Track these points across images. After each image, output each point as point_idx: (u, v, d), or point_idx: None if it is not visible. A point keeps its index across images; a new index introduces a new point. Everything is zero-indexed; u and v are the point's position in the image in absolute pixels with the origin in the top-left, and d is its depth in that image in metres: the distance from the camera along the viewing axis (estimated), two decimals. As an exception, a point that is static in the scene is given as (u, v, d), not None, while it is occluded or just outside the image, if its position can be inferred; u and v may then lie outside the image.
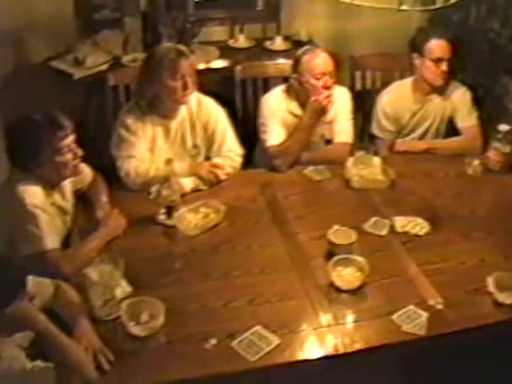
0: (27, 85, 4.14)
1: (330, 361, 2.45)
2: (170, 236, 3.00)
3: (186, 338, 2.46)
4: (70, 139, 2.85)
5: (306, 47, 3.79)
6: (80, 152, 2.90)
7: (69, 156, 2.85)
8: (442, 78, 3.78)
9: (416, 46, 3.85)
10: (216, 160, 3.42)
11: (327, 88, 3.57)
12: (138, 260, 2.80)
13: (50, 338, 2.27)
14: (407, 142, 3.93)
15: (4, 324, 2.21)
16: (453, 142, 3.90)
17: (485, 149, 3.71)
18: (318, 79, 3.55)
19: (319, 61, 3.57)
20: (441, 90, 3.88)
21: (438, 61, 3.73)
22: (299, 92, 3.66)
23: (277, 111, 3.65)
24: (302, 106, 3.66)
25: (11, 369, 2.14)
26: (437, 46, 3.74)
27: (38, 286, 2.45)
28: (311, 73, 3.55)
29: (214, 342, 2.44)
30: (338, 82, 3.84)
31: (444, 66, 3.72)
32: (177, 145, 3.41)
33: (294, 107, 3.68)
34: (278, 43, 4.62)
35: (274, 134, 3.62)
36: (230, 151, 3.44)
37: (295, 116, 3.68)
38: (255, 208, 3.23)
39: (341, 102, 3.75)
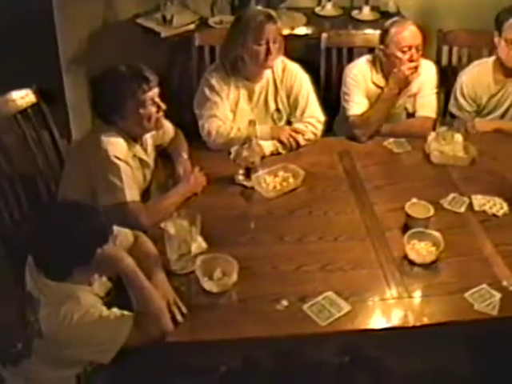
0: (114, 41, 4.23)
1: (396, 332, 2.46)
2: (247, 197, 3.04)
3: (257, 297, 2.50)
4: (154, 92, 2.87)
5: (395, 19, 3.74)
6: (163, 106, 2.92)
7: (152, 109, 2.87)
8: None
9: (497, 23, 3.76)
10: (297, 125, 3.42)
11: (412, 61, 3.53)
12: (214, 218, 2.83)
13: (135, 282, 2.32)
14: (478, 124, 3.85)
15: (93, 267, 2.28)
16: None
17: None
18: (404, 52, 3.50)
19: (407, 34, 3.51)
20: None
21: (510, 42, 3.63)
22: (384, 64, 3.62)
23: (360, 81, 3.63)
24: (386, 77, 3.63)
25: (90, 315, 2.22)
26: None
27: (119, 234, 2.52)
28: (398, 45, 3.50)
29: (285, 303, 2.46)
30: (425, 55, 3.80)
31: None
32: (259, 108, 3.43)
33: (378, 78, 3.65)
34: (366, 13, 4.57)
35: (356, 104, 3.61)
36: (312, 117, 3.43)
37: (378, 87, 3.65)
38: (333, 175, 3.23)
39: (426, 75, 3.70)
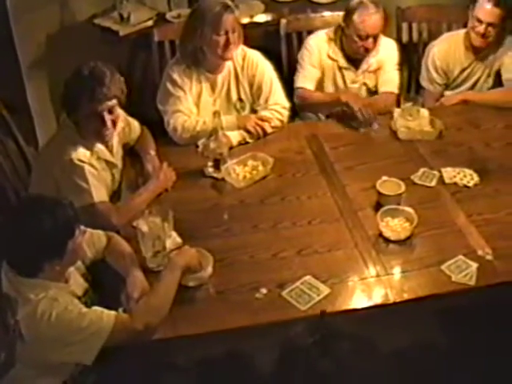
0: (73, 43, 4.17)
1: (378, 310, 2.47)
2: (218, 188, 3.03)
3: (236, 287, 2.50)
4: (110, 104, 2.82)
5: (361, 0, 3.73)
6: (120, 124, 2.93)
7: (107, 120, 2.83)
8: (480, 39, 3.70)
9: None
10: (263, 113, 3.40)
11: (367, 49, 3.58)
12: (187, 212, 2.84)
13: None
14: (445, 99, 3.88)
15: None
16: (491, 93, 3.84)
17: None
18: (361, 39, 3.54)
19: (368, 23, 3.50)
20: (493, 47, 3.79)
21: (477, 20, 3.65)
22: (342, 39, 3.67)
23: (315, 52, 3.68)
24: (343, 52, 3.69)
25: (69, 312, 2.20)
26: (481, 5, 3.65)
27: (91, 237, 2.51)
28: (357, 31, 3.53)
29: (264, 291, 2.47)
30: (385, 33, 3.81)
31: (480, 29, 3.65)
32: (222, 99, 3.41)
33: (335, 52, 3.70)
34: (327, -3, 4.56)
35: (304, 77, 3.68)
36: (277, 104, 3.42)
37: (334, 61, 3.71)
38: (303, 160, 3.22)
39: (386, 52, 3.74)
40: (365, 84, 3.76)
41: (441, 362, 2.94)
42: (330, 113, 3.68)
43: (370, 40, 3.55)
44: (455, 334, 3.03)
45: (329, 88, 3.79)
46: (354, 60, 3.71)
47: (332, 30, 3.74)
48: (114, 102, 2.83)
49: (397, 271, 2.59)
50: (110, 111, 2.83)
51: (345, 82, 3.75)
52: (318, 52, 3.68)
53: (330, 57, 3.70)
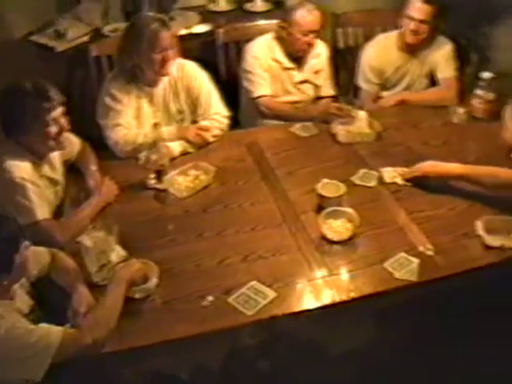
0: (10, 61, 4.12)
1: (325, 311, 2.49)
2: (161, 200, 3.03)
3: (182, 297, 2.50)
4: (58, 112, 2.81)
5: (301, 0, 3.82)
6: (67, 126, 2.88)
7: (55, 128, 2.81)
8: (412, 36, 3.80)
9: None
10: (203, 123, 3.42)
11: (310, 44, 3.71)
12: (131, 225, 2.83)
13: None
14: (381, 101, 3.97)
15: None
16: (427, 93, 3.95)
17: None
18: (304, 35, 3.66)
19: (311, 19, 3.65)
20: (425, 45, 3.89)
21: (410, 18, 3.75)
22: (285, 40, 3.76)
23: (262, 58, 3.76)
24: (287, 54, 3.80)
25: (17, 328, 2.17)
26: (412, 3, 3.77)
27: (35, 254, 2.48)
28: (300, 28, 3.65)
29: (210, 299, 2.47)
30: (321, 39, 3.90)
31: (412, 25, 3.74)
32: (161, 111, 3.41)
33: (278, 54, 3.79)
34: (259, 4, 4.63)
35: (261, 85, 3.75)
36: (216, 113, 3.45)
37: (279, 63, 3.80)
38: (244, 167, 3.25)
39: (324, 55, 3.91)
40: (311, 83, 3.89)
41: (391, 357, 2.99)
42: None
43: (312, 35, 3.69)
44: (404, 328, 3.09)
45: (278, 90, 3.85)
46: (297, 59, 3.83)
47: (271, 34, 3.83)
48: (60, 109, 2.82)
49: (341, 271, 2.62)
50: (56, 120, 2.81)
51: (292, 82, 3.85)
52: (263, 57, 3.77)
53: (274, 60, 3.79)
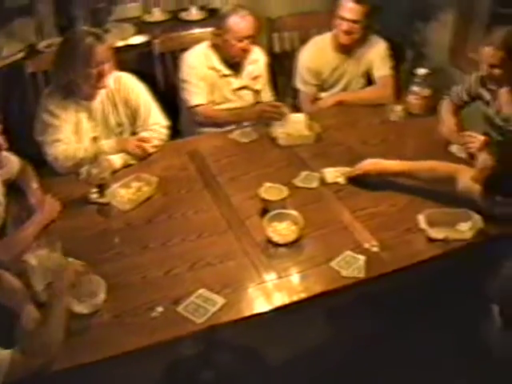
0: None
1: (275, 314, 2.50)
2: (105, 213, 3.00)
3: (131, 309, 2.47)
4: None
5: (234, 6, 3.85)
6: (5, 144, 2.85)
7: None
8: (346, 36, 3.86)
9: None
10: (143, 134, 3.41)
11: (245, 50, 3.73)
12: (76, 240, 2.80)
13: None
14: (320, 102, 4.02)
15: None
16: (364, 92, 4.02)
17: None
18: (239, 41, 3.67)
19: (244, 25, 3.67)
20: (359, 45, 3.95)
21: (341, 19, 3.81)
22: (221, 47, 3.77)
23: (198, 67, 3.76)
24: (224, 61, 3.80)
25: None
26: (343, 4, 3.83)
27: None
28: (235, 34, 3.67)
29: (160, 309, 2.46)
30: (258, 44, 3.92)
31: (345, 26, 3.80)
32: (100, 124, 3.38)
33: (215, 62, 3.80)
34: (193, 13, 4.64)
35: (197, 94, 3.75)
36: (156, 124, 3.44)
37: (217, 71, 3.80)
38: (186, 176, 3.24)
39: (262, 60, 3.95)
40: (250, 89, 3.91)
41: (344, 355, 3.02)
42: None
43: (247, 41, 3.70)
44: (355, 326, 3.13)
45: (217, 98, 3.87)
46: (234, 65, 3.84)
47: (207, 42, 3.83)
48: None
49: (289, 273, 2.63)
50: None
51: (230, 89, 3.86)
52: (200, 66, 3.77)
53: (211, 68, 3.79)
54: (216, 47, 3.81)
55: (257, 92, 3.98)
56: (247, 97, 3.95)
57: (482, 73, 3.22)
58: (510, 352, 2.60)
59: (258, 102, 3.96)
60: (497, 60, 3.09)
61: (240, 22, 3.67)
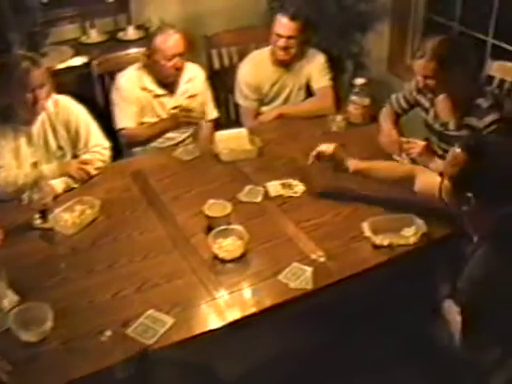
0: None
1: (226, 330, 2.51)
2: (49, 239, 2.96)
3: (80, 335, 2.45)
4: None
5: (160, 26, 3.86)
6: None
7: None
8: (283, 52, 3.90)
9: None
10: (84, 156, 3.39)
11: (177, 68, 3.72)
12: (21, 268, 2.76)
13: None
14: (261, 117, 4.05)
15: None
16: (304, 104, 4.07)
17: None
18: (168, 60, 3.67)
19: (171, 43, 3.66)
20: (298, 59, 3.99)
21: (277, 35, 3.85)
22: (152, 68, 3.76)
23: (128, 90, 3.75)
24: (157, 81, 3.79)
25: None
26: (278, 21, 3.87)
27: None
28: (163, 54, 3.66)
29: (108, 333, 2.44)
30: (196, 62, 3.94)
31: (281, 42, 3.84)
32: (41, 149, 3.33)
33: (148, 82, 3.79)
34: (131, 33, 4.64)
35: (125, 117, 3.77)
36: (97, 146, 3.42)
37: (149, 91, 3.79)
38: (130, 197, 3.22)
39: (200, 78, 3.92)
40: (184, 108, 3.85)
41: (297, 366, 3.03)
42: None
43: (177, 59, 3.70)
44: (308, 337, 3.14)
45: (151, 119, 3.85)
46: (168, 85, 3.82)
47: (138, 63, 3.82)
48: None
49: (237, 289, 2.64)
50: None
51: (164, 108, 3.83)
52: (131, 88, 3.75)
53: (144, 89, 3.78)
54: (148, 68, 3.80)
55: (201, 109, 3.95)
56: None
57: (417, 84, 3.27)
58: (457, 353, 2.65)
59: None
60: (430, 71, 3.14)
61: (167, 41, 3.67)
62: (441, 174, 2.47)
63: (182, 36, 3.74)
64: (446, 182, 2.42)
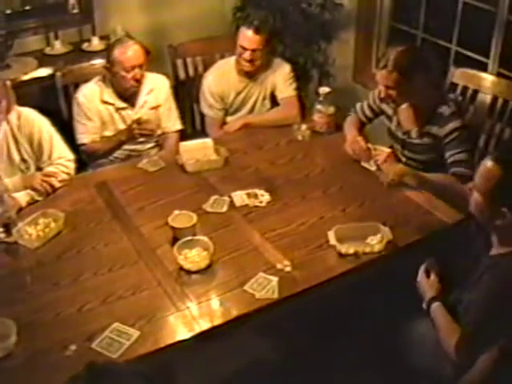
0: None
1: (196, 340, 2.51)
2: (13, 253, 2.93)
3: (44, 350, 2.43)
4: None
5: (119, 37, 3.84)
6: None
7: None
8: (248, 64, 3.91)
9: (237, 27, 3.97)
10: (48, 169, 3.35)
11: (137, 80, 3.67)
12: (-15, 282, 2.73)
13: None
14: (226, 127, 4.06)
15: None
16: (269, 114, 4.08)
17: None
18: (128, 71, 3.63)
19: (130, 54, 3.63)
20: (263, 69, 4.00)
21: (242, 48, 3.86)
22: (112, 81, 3.72)
23: (89, 105, 3.71)
24: (117, 94, 3.75)
25: None
26: (243, 34, 3.88)
27: None
28: (122, 65, 3.62)
29: (73, 347, 2.42)
30: (161, 72, 3.93)
31: (246, 55, 3.85)
32: (4, 162, 3.30)
33: (108, 96, 3.74)
34: (95, 44, 4.62)
35: (86, 132, 3.73)
36: (61, 158, 3.39)
37: (110, 105, 3.75)
38: (95, 209, 3.20)
39: (162, 89, 3.88)
40: (147, 120, 3.82)
41: (268, 376, 3.03)
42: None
43: (137, 70, 3.65)
44: (277, 345, 3.15)
45: (114, 132, 3.82)
46: (130, 97, 3.78)
47: (99, 76, 3.79)
48: None
49: (203, 300, 2.63)
50: None
51: (125, 121, 3.80)
52: (91, 102, 3.71)
53: (104, 102, 3.73)
54: (108, 81, 3.76)
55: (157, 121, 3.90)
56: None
57: (380, 95, 3.29)
58: (429, 362, 2.68)
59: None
60: (391, 82, 3.18)
61: (125, 53, 3.63)
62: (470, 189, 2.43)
63: (141, 47, 3.71)
64: (477, 195, 2.38)
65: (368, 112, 3.65)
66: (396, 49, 3.17)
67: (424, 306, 2.64)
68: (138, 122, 3.63)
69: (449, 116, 3.22)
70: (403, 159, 3.46)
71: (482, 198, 2.35)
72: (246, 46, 3.84)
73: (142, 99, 3.82)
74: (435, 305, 2.59)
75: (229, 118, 4.09)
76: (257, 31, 3.82)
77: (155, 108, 3.87)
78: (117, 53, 3.63)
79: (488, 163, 2.31)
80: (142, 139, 3.66)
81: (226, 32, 4.19)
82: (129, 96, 3.78)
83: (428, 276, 2.72)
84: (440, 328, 2.55)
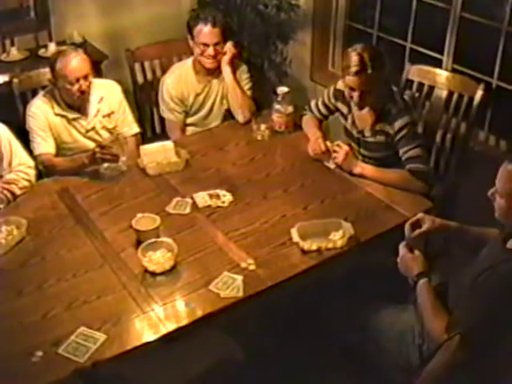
0: None
1: (163, 341, 2.52)
2: (-26, 262, 2.92)
3: (9, 357, 2.42)
4: None
5: (60, 49, 3.75)
6: None
7: None
8: (211, 60, 3.92)
9: (189, 28, 3.96)
10: (8, 176, 3.33)
11: (82, 91, 3.54)
12: None
13: None
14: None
15: None
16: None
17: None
18: (72, 84, 3.50)
19: (72, 66, 3.48)
20: (219, 71, 4.02)
21: (204, 45, 3.86)
22: (60, 92, 3.61)
23: (40, 116, 3.60)
24: (67, 105, 3.64)
25: None
26: (201, 31, 3.87)
27: None
28: (66, 79, 3.49)
29: (40, 353, 2.41)
30: (119, 76, 3.92)
31: (210, 51, 3.86)
32: (-37, 170, 3.29)
33: (58, 108, 3.64)
34: (52, 50, 4.56)
35: (42, 144, 3.61)
36: (21, 165, 3.37)
37: (62, 117, 3.65)
38: (57, 215, 3.19)
39: (114, 95, 3.81)
40: (104, 127, 3.77)
41: (237, 375, 3.05)
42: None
43: (82, 81, 3.51)
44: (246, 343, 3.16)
45: (69, 143, 3.73)
46: (81, 107, 3.67)
47: (46, 90, 3.70)
48: None
49: (169, 301, 2.65)
50: None
51: (80, 131, 3.72)
52: (43, 115, 3.61)
53: (56, 114, 3.63)
54: (57, 93, 3.63)
55: (112, 129, 3.82)
56: (102, 136, 3.77)
57: (352, 99, 3.31)
58: (397, 350, 2.72)
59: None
60: (369, 85, 3.21)
61: (68, 65, 3.48)
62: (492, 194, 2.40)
63: (84, 57, 3.58)
64: (499, 200, 2.36)
65: (323, 110, 3.69)
66: (360, 50, 3.18)
67: (410, 281, 2.65)
68: (101, 146, 3.50)
69: (397, 113, 3.27)
70: (360, 158, 3.50)
71: (505, 202, 2.34)
72: (208, 41, 3.84)
73: (93, 108, 3.71)
74: (423, 281, 2.58)
75: (189, 120, 4.10)
76: (214, 25, 3.82)
77: (109, 115, 3.78)
78: (59, 66, 3.49)
79: (508, 166, 2.30)
80: (105, 164, 3.53)
81: (183, 35, 4.19)
82: (78, 106, 3.66)
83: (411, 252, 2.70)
84: (425, 307, 2.54)
